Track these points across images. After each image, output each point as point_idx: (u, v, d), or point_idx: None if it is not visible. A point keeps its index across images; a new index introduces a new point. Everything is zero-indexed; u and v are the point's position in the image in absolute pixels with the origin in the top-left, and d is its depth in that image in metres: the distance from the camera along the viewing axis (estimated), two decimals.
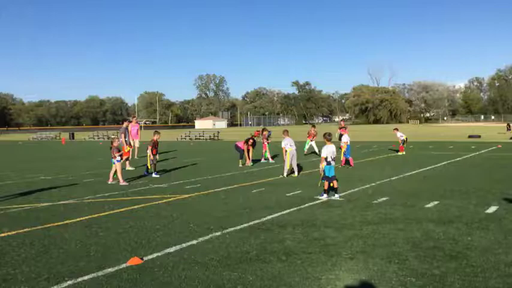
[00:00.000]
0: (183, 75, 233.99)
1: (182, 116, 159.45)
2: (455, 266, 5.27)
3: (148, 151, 14.52)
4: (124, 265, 5.46)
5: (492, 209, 8.35)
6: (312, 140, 21.36)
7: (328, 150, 9.93)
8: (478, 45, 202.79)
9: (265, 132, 19.59)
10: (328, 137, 10.20)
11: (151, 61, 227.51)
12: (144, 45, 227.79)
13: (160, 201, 9.79)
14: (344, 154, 16.29)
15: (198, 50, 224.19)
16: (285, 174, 13.64)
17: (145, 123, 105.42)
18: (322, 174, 9.90)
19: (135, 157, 19.41)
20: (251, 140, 17.60)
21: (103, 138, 53.55)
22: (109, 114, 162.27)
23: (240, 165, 17.08)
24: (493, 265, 5.27)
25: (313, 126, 22.26)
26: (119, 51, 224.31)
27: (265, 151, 19.28)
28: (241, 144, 17.66)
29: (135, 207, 9.23)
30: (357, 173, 14.54)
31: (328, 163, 9.83)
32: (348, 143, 16.56)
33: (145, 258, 5.69)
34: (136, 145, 20.33)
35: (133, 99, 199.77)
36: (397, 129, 22.41)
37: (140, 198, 10.23)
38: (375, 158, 19.88)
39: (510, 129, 40.35)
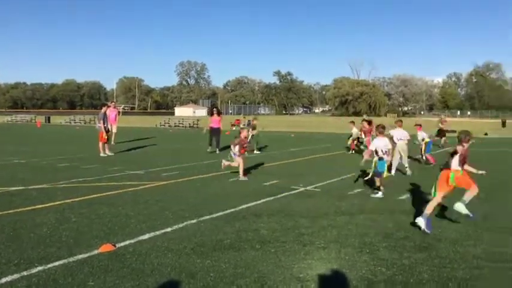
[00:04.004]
0: (163, 61, 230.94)
1: (162, 103, 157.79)
2: (424, 256, 5.39)
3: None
4: (96, 251, 5.40)
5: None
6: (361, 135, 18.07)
7: (378, 144, 9.23)
8: (458, 41, 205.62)
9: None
10: (381, 130, 9.50)
11: (131, 45, 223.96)
12: (124, 29, 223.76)
13: (136, 188, 9.70)
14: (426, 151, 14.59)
15: (180, 36, 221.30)
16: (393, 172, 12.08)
17: (123, 108, 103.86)
18: (372, 170, 9.26)
19: (112, 143, 19.14)
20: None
21: (80, 122, 52.70)
22: (86, 98, 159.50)
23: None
24: (461, 256, 5.41)
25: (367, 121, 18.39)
26: (97, 34, 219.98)
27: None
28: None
29: (110, 193, 9.12)
30: (334, 164, 14.68)
31: (380, 158, 9.12)
32: (429, 139, 14.93)
33: (117, 245, 5.64)
34: (114, 131, 20.09)
35: (111, 83, 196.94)
36: (353, 123, 19.31)
37: (116, 185, 10.10)
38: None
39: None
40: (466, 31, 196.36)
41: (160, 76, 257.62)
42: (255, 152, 17.73)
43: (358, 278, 4.71)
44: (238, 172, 11.21)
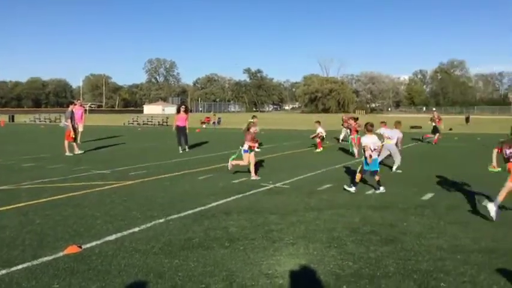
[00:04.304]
0: (131, 58, 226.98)
1: (130, 101, 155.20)
2: (390, 249, 5.51)
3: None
4: (61, 253, 5.28)
5: (428, 196, 8.79)
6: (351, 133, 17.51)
7: (367, 141, 9.16)
8: (424, 38, 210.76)
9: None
10: (369, 128, 9.43)
11: (98, 42, 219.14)
12: (90, 24, 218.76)
13: (102, 188, 9.52)
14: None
15: (148, 33, 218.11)
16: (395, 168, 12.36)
17: (90, 106, 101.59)
18: (359, 168, 9.35)
19: (78, 141, 18.68)
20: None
21: (45, 121, 51.31)
22: (52, 96, 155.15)
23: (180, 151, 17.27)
24: (425, 249, 5.56)
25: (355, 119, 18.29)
26: (63, 31, 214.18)
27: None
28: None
29: (76, 193, 8.92)
30: (303, 161, 14.81)
31: (371, 156, 9.08)
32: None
33: (83, 247, 5.52)
34: (80, 129, 19.63)
35: (78, 81, 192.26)
36: (319, 123, 18.96)
37: (81, 185, 9.89)
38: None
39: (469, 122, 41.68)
40: (432, 29, 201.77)
41: (129, 73, 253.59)
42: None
43: (326, 272, 4.77)
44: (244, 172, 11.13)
